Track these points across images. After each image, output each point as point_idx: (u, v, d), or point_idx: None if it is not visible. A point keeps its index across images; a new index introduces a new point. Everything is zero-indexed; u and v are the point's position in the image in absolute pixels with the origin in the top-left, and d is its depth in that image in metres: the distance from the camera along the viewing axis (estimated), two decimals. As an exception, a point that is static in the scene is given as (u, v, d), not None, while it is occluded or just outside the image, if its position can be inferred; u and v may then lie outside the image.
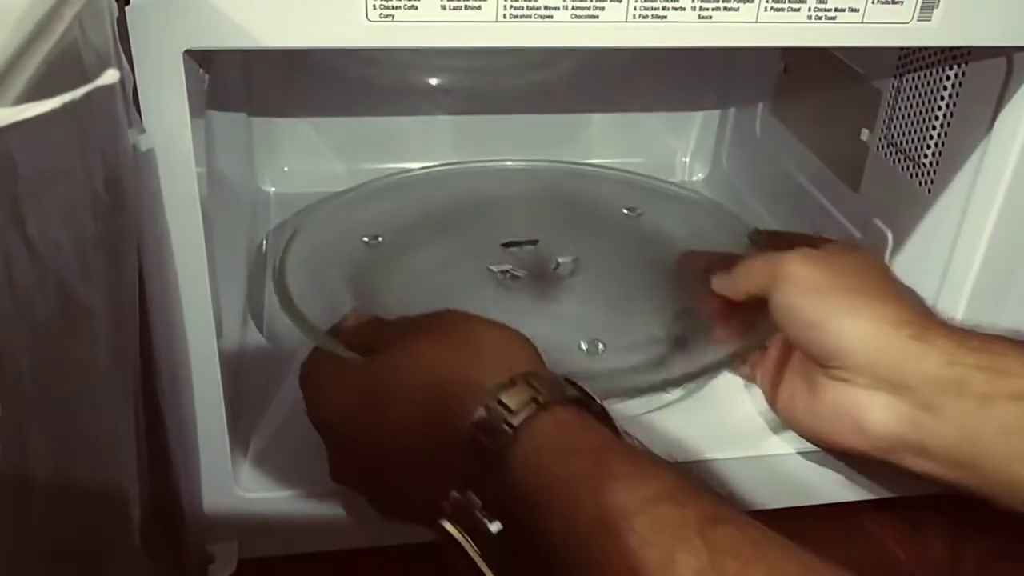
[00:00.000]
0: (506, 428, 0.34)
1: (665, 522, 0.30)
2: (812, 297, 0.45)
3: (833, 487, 0.51)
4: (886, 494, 0.51)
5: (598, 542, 0.30)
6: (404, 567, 0.48)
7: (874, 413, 0.43)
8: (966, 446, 0.41)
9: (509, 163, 0.70)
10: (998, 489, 0.41)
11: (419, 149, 0.76)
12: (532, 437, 0.34)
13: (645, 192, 0.68)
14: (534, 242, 0.57)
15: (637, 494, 0.31)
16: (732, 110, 0.80)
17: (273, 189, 0.75)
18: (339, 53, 0.69)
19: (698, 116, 0.82)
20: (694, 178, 0.83)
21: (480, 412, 0.34)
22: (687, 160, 0.83)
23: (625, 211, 0.66)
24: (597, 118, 0.79)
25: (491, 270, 0.59)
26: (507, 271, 0.59)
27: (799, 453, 0.50)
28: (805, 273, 0.45)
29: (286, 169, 0.75)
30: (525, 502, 0.33)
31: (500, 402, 0.34)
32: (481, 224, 0.63)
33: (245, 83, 0.69)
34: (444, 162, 0.72)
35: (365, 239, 0.60)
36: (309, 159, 0.75)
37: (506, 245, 0.59)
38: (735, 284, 0.50)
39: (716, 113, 0.82)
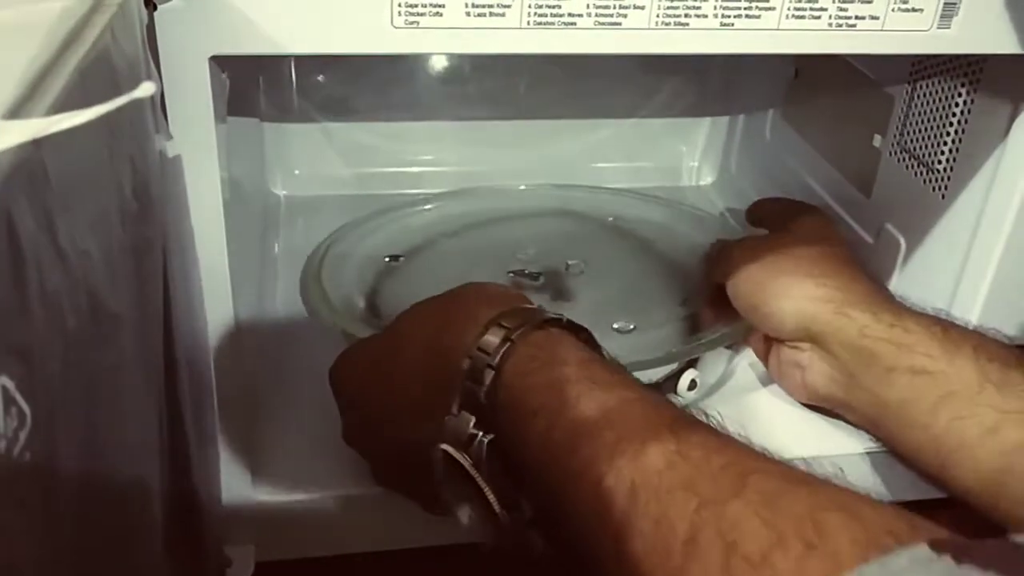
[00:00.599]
0: (503, 345, 0.37)
1: (640, 420, 0.33)
2: (751, 284, 0.51)
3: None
4: (904, 497, 0.51)
5: (579, 440, 0.33)
6: (418, 570, 0.48)
7: (812, 375, 0.50)
8: (879, 410, 0.46)
9: (522, 187, 0.75)
10: (907, 451, 0.46)
11: (428, 154, 0.77)
12: (527, 347, 0.37)
13: (627, 200, 0.74)
14: (537, 276, 0.62)
15: (616, 395, 0.34)
16: (742, 115, 0.80)
17: (284, 192, 0.75)
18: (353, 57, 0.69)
19: (706, 120, 0.82)
20: (702, 182, 0.83)
21: (481, 334, 0.37)
22: (695, 164, 0.83)
23: (610, 219, 0.72)
24: (604, 122, 0.80)
25: (512, 274, 0.62)
26: (528, 272, 0.62)
27: (812, 458, 0.50)
28: (744, 264, 0.52)
29: (297, 172, 0.75)
30: (516, 408, 0.36)
31: (500, 324, 0.37)
32: (495, 239, 0.68)
33: (257, 88, 0.69)
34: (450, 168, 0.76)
35: (387, 259, 0.63)
36: (319, 163, 0.75)
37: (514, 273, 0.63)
38: (712, 274, 0.56)
39: (725, 117, 0.82)
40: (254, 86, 0.68)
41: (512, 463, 0.36)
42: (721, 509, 0.27)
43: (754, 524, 0.26)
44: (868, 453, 0.51)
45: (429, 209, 0.70)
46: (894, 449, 0.47)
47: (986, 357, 0.42)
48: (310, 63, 0.70)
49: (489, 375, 0.36)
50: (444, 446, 0.37)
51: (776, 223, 0.58)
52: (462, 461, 0.36)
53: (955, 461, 0.42)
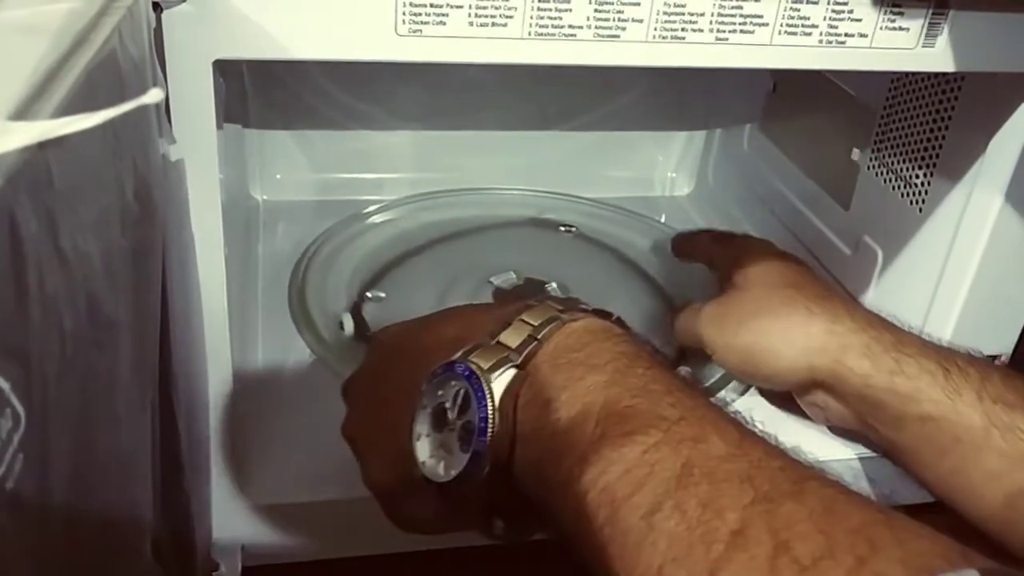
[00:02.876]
0: (530, 340, 0.34)
1: (705, 408, 0.31)
2: (737, 355, 0.49)
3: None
4: (904, 500, 0.51)
5: (632, 409, 0.31)
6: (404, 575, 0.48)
7: (831, 413, 0.49)
8: (892, 449, 0.47)
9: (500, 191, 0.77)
10: (927, 489, 0.46)
11: (407, 161, 0.77)
12: (560, 339, 0.34)
13: (583, 210, 0.76)
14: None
15: (679, 386, 0.32)
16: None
17: (264, 197, 0.75)
18: (342, 67, 0.69)
19: (684, 131, 0.83)
20: (678, 193, 0.84)
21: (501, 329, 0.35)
22: (673, 175, 0.84)
23: (562, 228, 0.73)
24: (581, 133, 0.80)
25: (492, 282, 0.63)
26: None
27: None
28: (717, 337, 0.49)
29: (278, 177, 0.75)
30: (538, 406, 0.33)
31: (523, 320, 0.35)
32: (470, 260, 0.68)
33: (240, 92, 0.69)
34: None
35: (368, 295, 0.62)
36: (300, 169, 0.75)
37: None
38: (679, 338, 0.54)
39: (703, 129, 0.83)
40: (238, 91, 0.68)
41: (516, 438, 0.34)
42: (776, 507, 0.26)
43: (808, 528, 0.25)
44: (861, 458, 0.51)
45: (403, 218, 0.71)
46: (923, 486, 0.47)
47: (990, 399, 0.42)
48: (297, 69, 0.69)
49: (530, 342, 0.34)
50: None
51: (717, 263, 0.56)
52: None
53: (961, 501, 0.43)
